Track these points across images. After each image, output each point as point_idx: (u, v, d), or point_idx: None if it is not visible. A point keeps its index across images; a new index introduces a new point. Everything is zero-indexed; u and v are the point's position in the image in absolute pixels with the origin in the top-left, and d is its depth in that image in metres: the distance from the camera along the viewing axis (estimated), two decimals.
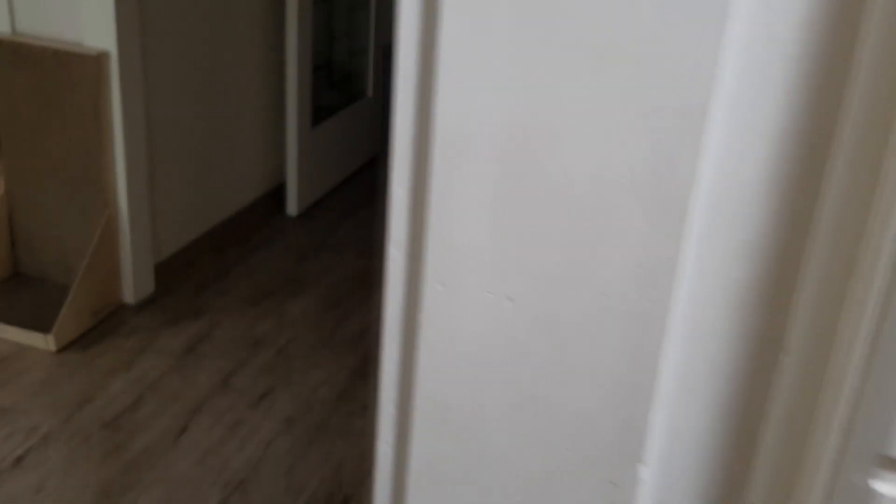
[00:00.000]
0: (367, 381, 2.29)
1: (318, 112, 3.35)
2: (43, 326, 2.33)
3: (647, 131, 0.59)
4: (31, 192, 2.52)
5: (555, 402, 0.69)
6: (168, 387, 2.21)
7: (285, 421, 2.12)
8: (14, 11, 2.38)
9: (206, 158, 2.82)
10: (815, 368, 0.62)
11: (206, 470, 1.93)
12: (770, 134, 0.58)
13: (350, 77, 3.75)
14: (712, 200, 0.61)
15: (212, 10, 2.70)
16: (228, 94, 2.88)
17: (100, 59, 2.29)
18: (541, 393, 0.69)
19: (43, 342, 2.31)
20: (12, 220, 2.58)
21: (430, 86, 0.63)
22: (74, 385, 2.19)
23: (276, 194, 3.26)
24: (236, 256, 2.92)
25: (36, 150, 2.45)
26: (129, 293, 2.54)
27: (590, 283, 0.65)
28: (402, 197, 0.66)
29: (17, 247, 2.61)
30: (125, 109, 2.35)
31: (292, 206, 3.25)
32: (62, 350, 2.32)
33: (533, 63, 0.60)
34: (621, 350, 0.66)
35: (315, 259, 2.96)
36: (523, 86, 0.61)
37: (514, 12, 0.59)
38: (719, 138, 0.59)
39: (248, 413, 2.14)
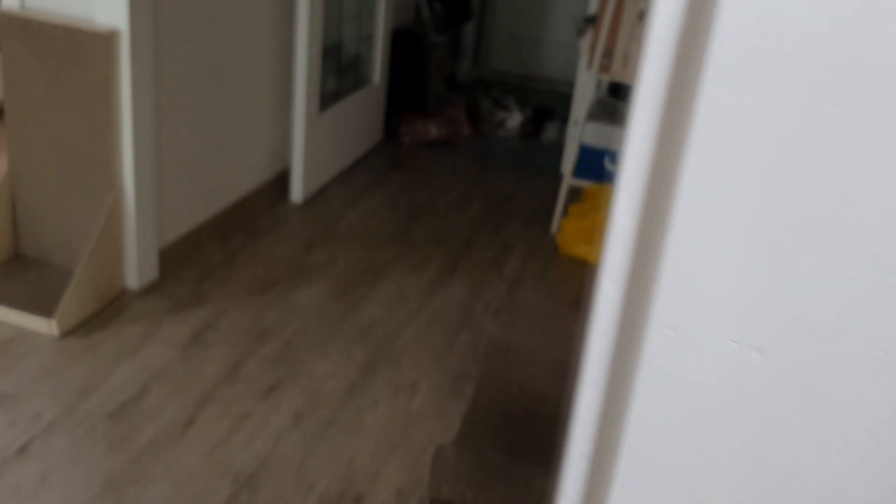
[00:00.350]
0: (377, 375, 2.25)
1: (324, 97, 3.29)
2: (45, 310, 2.27)
3: None
4: (35, 173, 2.45)
5: (801, 469, 0.59)
6: (174, 376, 2.16)
7: (294, 415, 2.07)
8: None
9: (211, 142, 2.76)
10: None
11: (214, 464, 1.89)
12: None
13: (357, 62, 3.69)
14: None
15: None
16: (236, 76, 2.82)
17: (111, 37, 2.23)
18: (785, 459, 0.58)
19: (45, 326, 2.25)
20: (15, 200, 2.51)
21: (686, 97, 0.51)
22: (78, 372, 2.13)
23: (281, 180, 3.21)
24: (240, 243, 2.86)
25: (42, 130, 2.38)
26: (133, 278, 2.49)
27: (866, 337, 0.56)
28: (625, 226, 0.57)
29: (18, 227, 2.55)
30: (134, 90, 2.29)
31: (297, 193, 3.19)
32: (65, 335, 2.26)
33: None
34: (892, 412, 0.57)
35: (320, 248, 2.91)
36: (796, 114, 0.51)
37: None
38: None
39: (256, 405, 2.09)
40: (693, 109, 0.47)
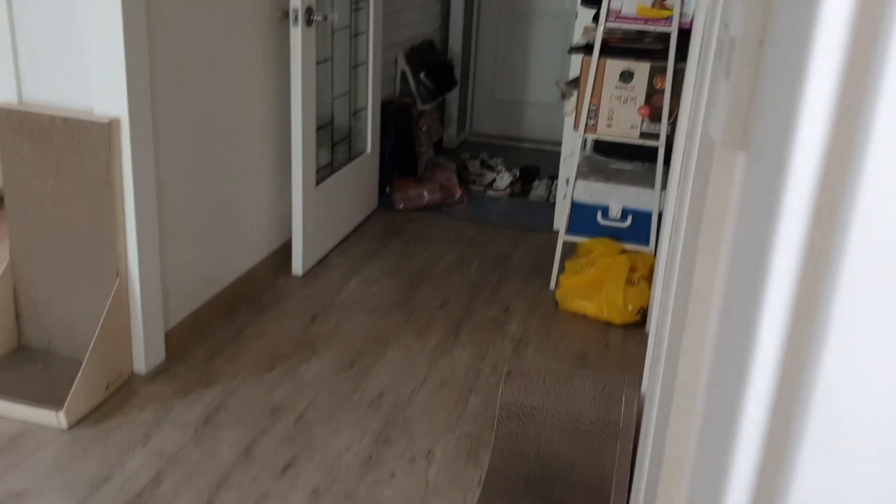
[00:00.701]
0: (392, 446, 2.24)
1: (320, 170, 3.34)
2: (53, 402, 2.26)
3: None
4: (37, 263, 2.46)
5: None
6: (188, 460, 2.14)
7: (312, 492, 2.06)
8: (21, 81, 2.36)
9: (213, 221, 2.79)
10: None
11: None
12: None
13: (350, 134, 3.76)
14: None
15: (219, 72, 2.70)
16: (234, 155, 2.87)
17: (111, 125, 2.27)
18: None
19: (54, 419, 2.24)
20: (17, 291, 2.52)
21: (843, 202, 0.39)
22: (90, 463, 2.11)
23: (281, 254, 3.23)
24: (246, 319, 2.87)
25: (43, 220, 2.41)
26: (140, 362, 2.48)
27: None
28: (771, 346, 0.44)
29: (21, 319, 2.54)
30: (136, 176, 2.32)
31: (298, 266, 3.21)
32: (73, 426, 2.25)
33: None
34: None
35: (325, 319, 2.92)
36: None
37: None
38: None
39: (273, 485, 2.07)
40: (853, 208, 0.37)
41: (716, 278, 0.73)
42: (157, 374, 2.51)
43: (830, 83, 0.37)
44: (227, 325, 2.81)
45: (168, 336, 2.58)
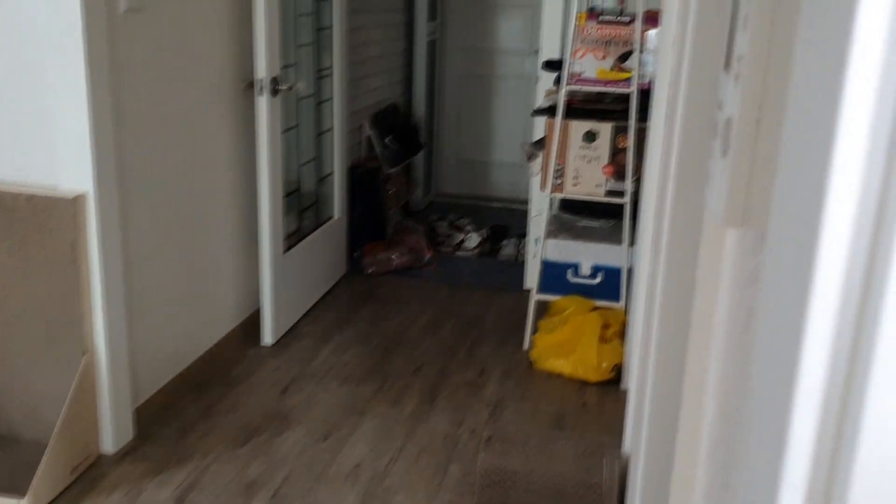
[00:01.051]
0: None
1: (288, 237, 3.32)
2: (16, 489, 2.17)
3: None
4: (0, 343, 2.39)
5: None
6: None
7: None
8: None
9: (182, 294, 2.75)
10: None
11: None
12: None
13: (317, 200, 3.75)
14: None
15: (186, 144, 2.69)
16: (203, 226, 2.84)
17: (77, 201, 2.24)
18: None
19: None
20: None
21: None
22: None
23: (251, 324, 3.18)
24: (217, 393, 2.80)
25: (7, 298, 2.35)
26: (108, 442, 2.41)
27: None
28: (805, 439, 0.41)
29: None
30: (103, 251, 2.28)
31: (268, 336, 3.17)
32: None
33: None
34: None
35: (297, 390, 2.87)
36: None
37: None
38: None
39: None
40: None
41: (712, 351, 0.73)
42: (126, 453, 2.43)
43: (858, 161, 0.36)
44: (197, 400, 2.75)
45: (137, 413, 2.51)
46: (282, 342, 3.22)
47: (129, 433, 2.48)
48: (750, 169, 0.56)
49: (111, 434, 2.40)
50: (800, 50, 0.45)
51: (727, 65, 0.65)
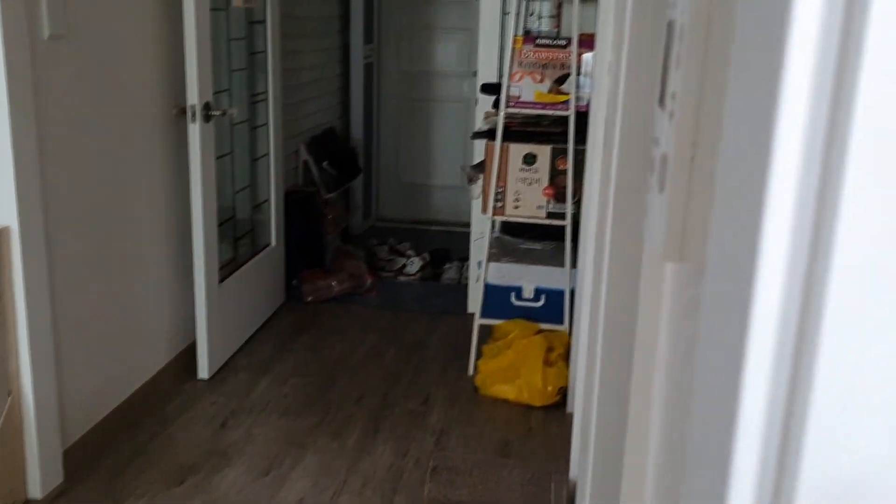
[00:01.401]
0: None
1: (223, 267, 3.24)
2: None
3: None
4: None
5: None
6: None
7: None
8: None
9: (113, 328, 2.64)
10: None
11: None
12: None
13: (253, 227, 3.68)
14: None
15: (114, 172, 2.60)
16: (134, 257, 2.74)
17: (0, 235, 2.13)
18: None
19: None
20: None
21: None
22: None
23: (186, 357, 3.08)
24: (151, 430, 2.70)
25: None
26: (36, 487, 2.29)
27: None
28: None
29: None
30: (28, 287, 2.18)
31: (203, 369, 3.07)
32: None
33: None
34: None
35: (235, 424, 2.78)
36: None
37: None
38: None
39: None
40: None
41: (654, 381, 0.71)
42: (54, 497, 2.31)
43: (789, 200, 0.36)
44: (131, 438, 2.64)
45: (66, 455, 2.40)
46: (219, 375, 3.13)
47: (58, 476, 2.36)
48: (686, 206, 0.55)
49: (39, 478, 2.28)
50: (732, 88, 0.45)
51: (661, 101, 0.64)
